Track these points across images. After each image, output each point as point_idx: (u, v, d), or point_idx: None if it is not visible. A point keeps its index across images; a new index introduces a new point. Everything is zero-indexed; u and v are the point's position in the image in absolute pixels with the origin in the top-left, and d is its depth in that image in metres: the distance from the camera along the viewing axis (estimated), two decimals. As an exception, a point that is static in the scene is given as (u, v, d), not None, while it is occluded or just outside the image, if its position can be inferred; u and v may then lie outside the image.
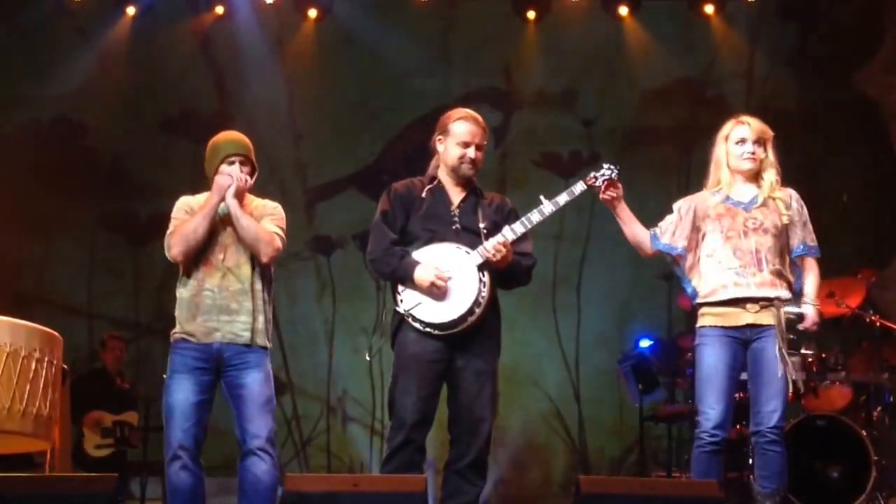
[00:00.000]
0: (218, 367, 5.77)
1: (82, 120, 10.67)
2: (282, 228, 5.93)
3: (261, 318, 5.82)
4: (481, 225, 5.88)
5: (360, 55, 10.86)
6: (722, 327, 5.88)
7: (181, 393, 5.71)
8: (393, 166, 10.16)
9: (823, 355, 8.48)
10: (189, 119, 10.54)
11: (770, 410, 5.81)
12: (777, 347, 5.77)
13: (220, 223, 5.84)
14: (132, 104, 10.65)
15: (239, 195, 5.81)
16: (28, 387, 5.60)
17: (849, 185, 10.31)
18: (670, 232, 6.14)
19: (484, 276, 5.75)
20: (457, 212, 5.91)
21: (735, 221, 5.94)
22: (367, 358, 9.79)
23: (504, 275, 5.88)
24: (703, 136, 10.57)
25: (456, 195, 5.96)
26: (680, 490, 5.54)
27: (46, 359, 5.72)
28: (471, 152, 5.90)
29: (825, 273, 7.88)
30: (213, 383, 5.79)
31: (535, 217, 5.89)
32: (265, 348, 5.83)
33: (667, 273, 9.56)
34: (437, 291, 5.73)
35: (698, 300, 5.99)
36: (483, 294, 5.73)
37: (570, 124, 10.84)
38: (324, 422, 10.52)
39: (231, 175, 5.80)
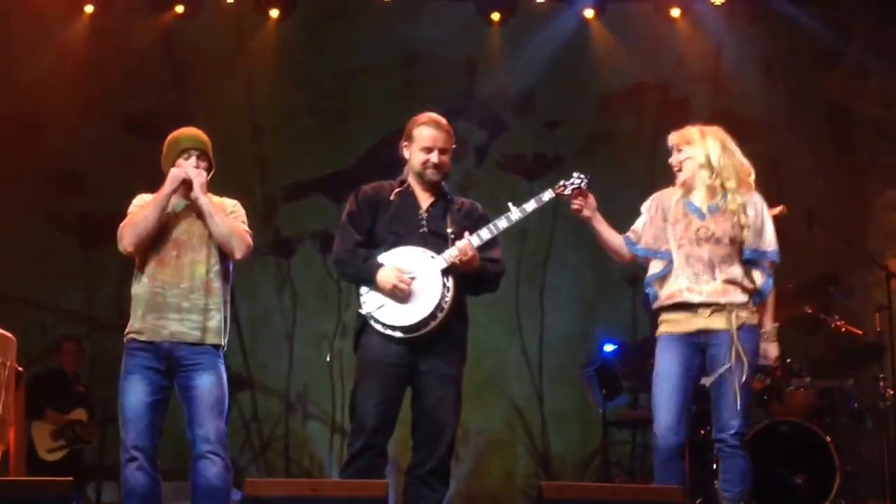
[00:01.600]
0: (170, 367, 5.69)
1: (38, 116, 10.49)
2: (246, 224, 5.91)
3: (215, 317, 5.74)
4: (449, 230, 5.84)
5: (323, 55, 10.75)
6: (676, 333, 5.87)
7: (133, 395, 5.63)
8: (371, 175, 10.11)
9: (788, 361, 8.47)
10: (149, 117, 10.39)
11: (728, 418, 5.78)
12: (733, 351, 5.72)
13: (175, 218, 5.80)
14: (90, 101, 10.49)
15: (202, 194, 5.76)
16: (-18, 390, 5.48)
17: (814, 190, 10.29)
18: (648, 235, 6.09)
19: (448, 280, 5.72)
20: (425, 216, 5.89)
21: (688, 230, 5.91)
22: (328, 359, 9.78)
23: (471, 280, 5.84)
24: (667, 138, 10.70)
25: (425, 200, 5.94)
26: (642, 496, 5.48)
27: None
28: (434, 157, 5.89)
29: (793, 277, 7.92)
30: (166, 384, 5.70)
31: (501, 224, 5.86)
32: (218, 347, 5.75)
33: (631, 276, 9.54)
34: (399, 294, 5.69)
35: (655, 305, 5.97)
36: (447, 298, 5.70)
37: (534, 126, 10.77)
38: (283, 425, 10.40)
39: (187, 171, 5.75)
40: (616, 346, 9.58)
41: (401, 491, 5.90)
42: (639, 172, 10.22)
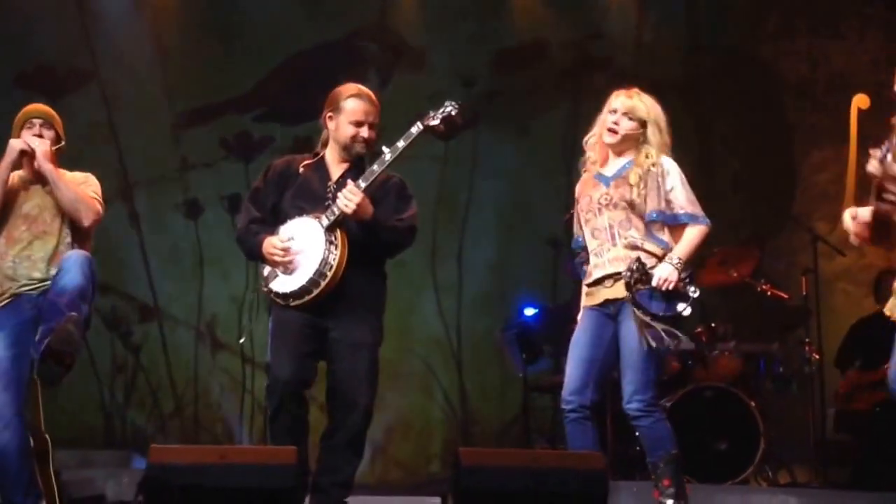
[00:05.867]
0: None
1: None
2: (98, 194, 5.96)
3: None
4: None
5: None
6: (589, 307, 5.84)
7: None
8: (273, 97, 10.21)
9: (713, 325, 8.40)
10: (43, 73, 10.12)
11: (627, 386, 5.72)
12: (631, 318, 5.63)
13: (24, 194, 5.86)
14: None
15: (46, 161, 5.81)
16: None
17: (739, 151, 10.21)
18: (577, 225, 6.02)
19: (334, 237, 5.59)
20: (334, 187, 5.75)
21: (592, 200, 5.83)
22: (241, 341, 9.63)
23: (373, 234, 5.67)
24: (589, 99, 10.54)
25: (337, 171, 5.83)
26: (562, 462, 5.34)
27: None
28: (364, 131, 5.77)
29: (718, 241, 7.80)
30: None
31: (376, 167, 5.67)
32: None
33: (552, 239, 9.41)
34: (280, 262, 5.64)
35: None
36: (333, 256, 5.57)
37: (451, 85, 10.54)
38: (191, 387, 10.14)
39: (26, 140, 5.84)
40: (537, 310, 9.43)
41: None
42: (559, 133, 10.05)
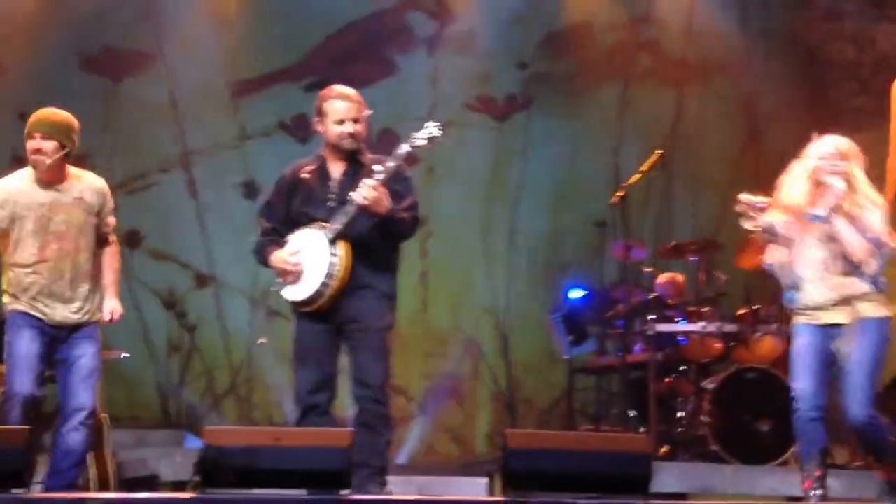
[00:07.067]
0: None
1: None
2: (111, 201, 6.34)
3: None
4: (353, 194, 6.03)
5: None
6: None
7: None
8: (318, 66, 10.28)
9: (756, 307, 8.43)
10: (108, 56, 10.25)
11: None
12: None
13: (50, 210, 6.13)
14: (47, 40, 10.25)
15: (50, 172, 6.09)
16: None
17: (788, 134, 10.17)
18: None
19: (336, 249, 5.93)
20: (336, 187, 6.10)
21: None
22: (259, 342, 9.79)
23: (380, 228, 5.99)
24: (638, 81, 10.61)
25: (338, 170, 6.17)
26: (608, 444, 5.49)
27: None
28: (347, 127, 6.10)
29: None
30: None
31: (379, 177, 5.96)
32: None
33: (600, 221, 9.45)
34: (287, 275, 6.03)
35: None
36: (336, 267, 5.92)
37: (501, 66, 10.63)
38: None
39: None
40: (584, 293, 9.50)
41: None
42: (610, 116, 10.13)
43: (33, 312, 6.02)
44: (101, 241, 6.26)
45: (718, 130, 10.52)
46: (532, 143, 10.55)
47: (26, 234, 6.09)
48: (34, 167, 6.13)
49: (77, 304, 6.11)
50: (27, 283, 6.06)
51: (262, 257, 6.17)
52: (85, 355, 6.09)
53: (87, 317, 6.14)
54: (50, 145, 6.08)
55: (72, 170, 6.24)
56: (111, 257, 6.31)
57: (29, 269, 6.07)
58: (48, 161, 6.07)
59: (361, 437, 5.82)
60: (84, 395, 6.06)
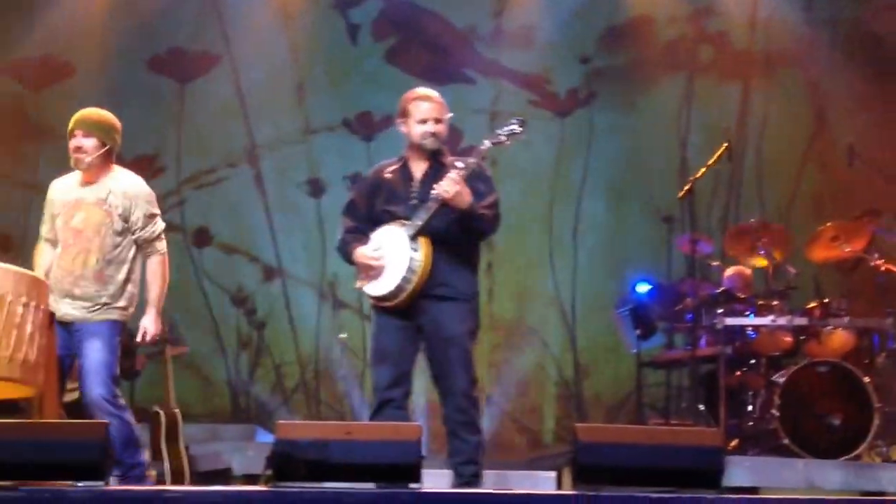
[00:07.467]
0: None
1: (67, 59, 10.40)
2: (152, 204, 6.34)
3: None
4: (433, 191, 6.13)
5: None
6: None
7: None
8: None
9: (826, 300, 8.37)
10: (175, 57, 10.37)
11: None
12: None
13: (73, 208, 6.23)
14: (117, 42, 10.39)
15: (90, 170, 6.21)
16: (15, 332, 5.53)
17: (854, 124, 10.11)
18: None
19: (417, 244, 6.02)
20: (417, 186, 6.22)
21: None
22: (340, 337, 9.85)
23: (462, 223, 6.07)
24: (702, 74, 10.56)
25: (420, 169, 6.28)
26: (678, 438, 5.41)
27: (33, 304, 5.64)
28: (430, 126, 6.22)
29: (831, 215, 7.76)
30: None
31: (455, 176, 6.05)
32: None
33: (667, 216, 9.41)
34: (371, 268, 6.13)
35: None
36: (417, 262, 6.01)
37: (562, 60, 10.62)
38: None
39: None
40: (651, 287, 9.47)
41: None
42: (673, 109, 10.08)
43: (52, 306, 6.04)
44: (143, 252, 6.28)
45: (784, 122, 10.44)
46: (595, 137, 10.53)
47: (59, 231, 6.23)
48: (75, 165, 6.23)
49: (78, 303, 6.13)
50: (52, 278, 6.16)
51: (345, 254, 6.30)
52: (89, 350, 6.11)
53: (91, 314, 6.14)
54: (90, 143, 6.20)
55: (116, 170, 6.30)
56: (154, 273, 6.28)
57: (55, 265, 6.20)
58: (88, 159, 6.17)
59: (454, 441, 6.08)
60: (95, 388, 6.08)
